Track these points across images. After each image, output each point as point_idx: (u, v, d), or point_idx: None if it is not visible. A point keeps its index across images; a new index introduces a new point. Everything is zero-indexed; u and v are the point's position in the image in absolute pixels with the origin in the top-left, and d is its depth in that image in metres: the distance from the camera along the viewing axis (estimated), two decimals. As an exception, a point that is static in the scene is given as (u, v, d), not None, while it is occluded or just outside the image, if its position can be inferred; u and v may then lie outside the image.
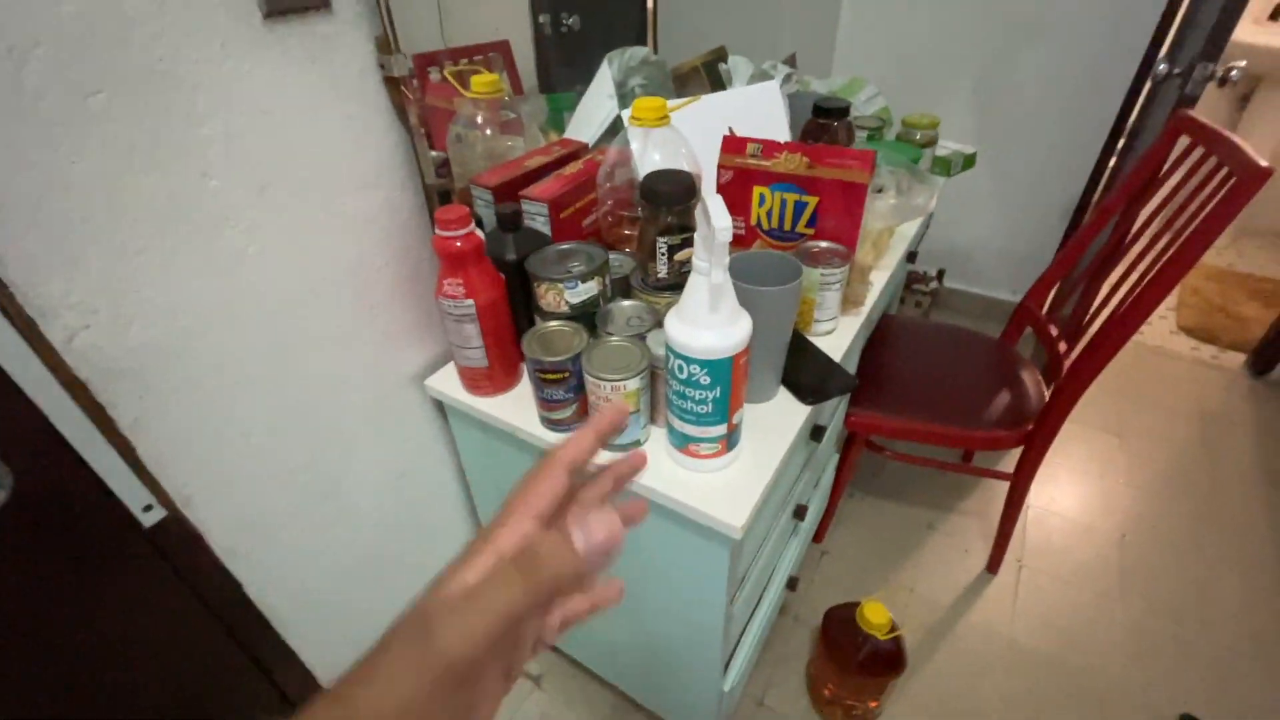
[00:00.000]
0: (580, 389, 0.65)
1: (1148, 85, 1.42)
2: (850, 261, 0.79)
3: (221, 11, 0.48)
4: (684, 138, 0.80)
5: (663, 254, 0.69)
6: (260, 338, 0.59)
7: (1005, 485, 1.26)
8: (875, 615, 0.99)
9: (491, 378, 0.72)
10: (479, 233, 0.64)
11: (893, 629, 0.99)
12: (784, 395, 0.72)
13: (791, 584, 1.06)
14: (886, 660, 1.01)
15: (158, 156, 0.47)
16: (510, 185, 0.77)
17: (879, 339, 1.31)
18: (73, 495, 0.51)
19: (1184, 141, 1.03)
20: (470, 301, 0.65)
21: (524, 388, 0.75)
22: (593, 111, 1.04)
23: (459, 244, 0.63)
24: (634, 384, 0.60)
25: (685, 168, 0.79)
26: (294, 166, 0.57)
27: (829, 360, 0.76)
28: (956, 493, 1.54)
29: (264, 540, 0.66)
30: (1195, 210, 0.92)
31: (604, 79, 1.06)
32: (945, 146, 1.33)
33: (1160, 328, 2.16)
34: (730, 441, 0.62)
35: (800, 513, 0.97)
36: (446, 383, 0.77)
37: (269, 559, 0.67)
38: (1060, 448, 1.65)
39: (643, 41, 1.33)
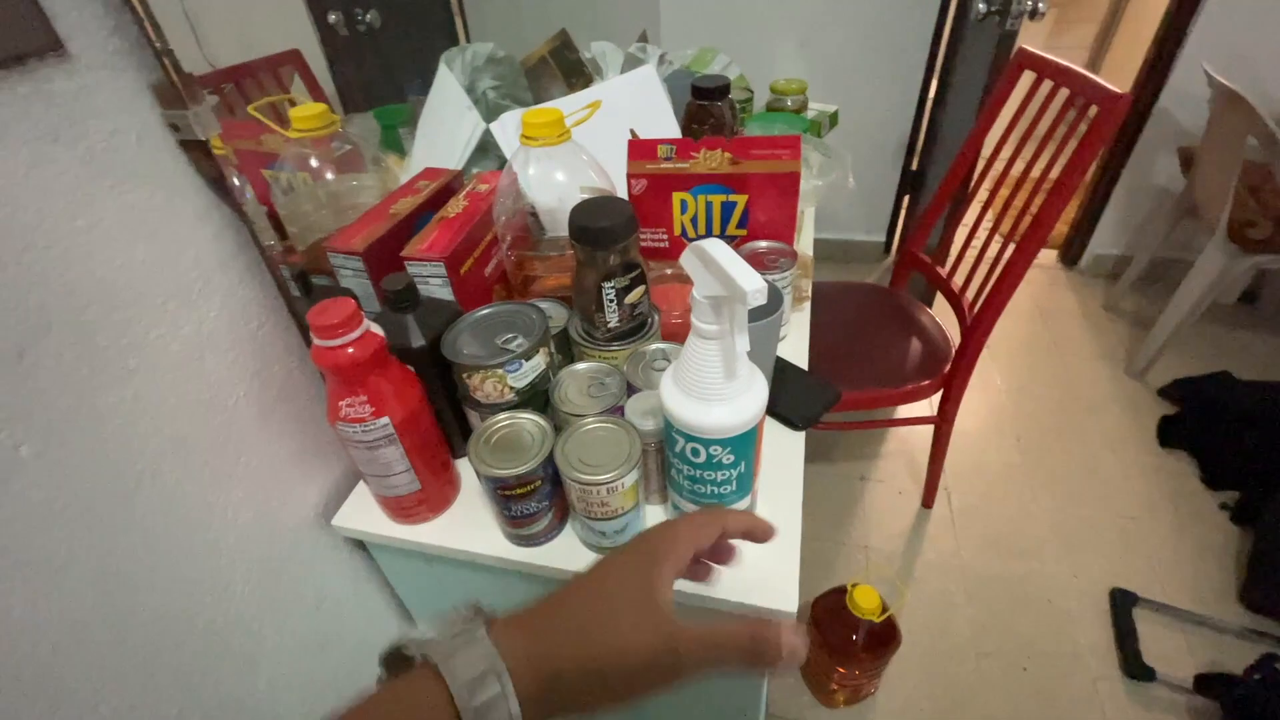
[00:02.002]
0: (554, 491, 0.52)
1: (949, 24, 1.51)
2: (797, 259, 0.71)
3: None
4: (583, 149, 0.67)
5: (610, 300, 0.56)
6: (79, 566, 0.38)
7: (932, 429, 1.30)
8: (866, 600, 0.97)
9: (428, 499, 0.56)
10: (376, 329, 0.47)
11: (884, 609, 0.98)
12: (774, 427, 0.64)
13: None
14: (883, 639, 1.00)
15: None
16: (382, 245, 0.60)
17: (788, 313, 1.28)
18: None
19: (1029, 77, 1.08)
20: (384, 420, 0.49)
21: (468, 499, 0.59)
22: (449, 128, 0.86)
23: (352, 351, 0.45)
24: (632, 478, 0.48)
25: (595, 183, 0.66)
26: (63, 306, 0.37)
27: (807, 376, 0.69)
28: (877, 439, 1.60)
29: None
30: (1061, 141, 0.96)
31: (448, 85, 0.89)
32: (811, 109, 1.31)
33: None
34: (751, 505, 0.52)
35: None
36: (363, 516, 0.59)
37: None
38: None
39: (453, 32, 1.16)
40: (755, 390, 0.44)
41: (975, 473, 1.50)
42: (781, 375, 0.66)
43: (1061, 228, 2.27)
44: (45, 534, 0.37)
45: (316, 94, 0.85)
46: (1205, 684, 1.04)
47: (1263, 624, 1.17)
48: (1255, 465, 1.39)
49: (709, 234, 0.75)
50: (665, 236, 0.76)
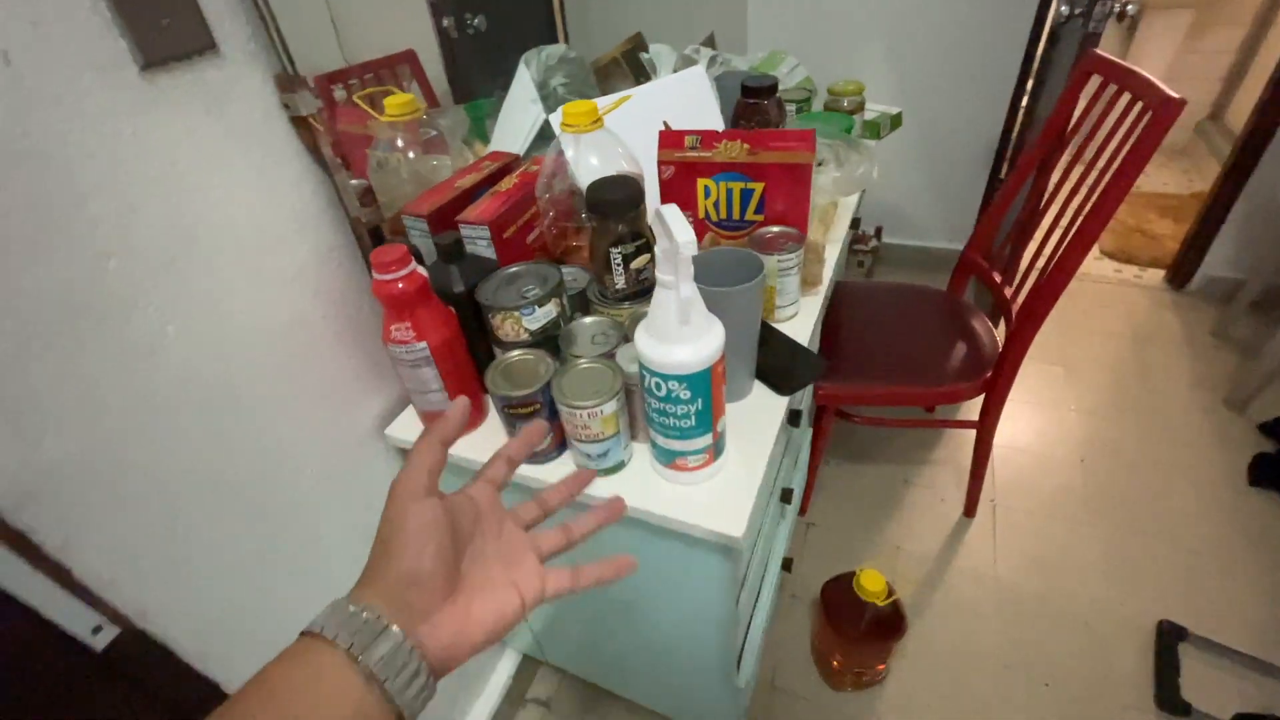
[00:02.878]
0: (553, 416, 0.62)
1: (1046, 28, 1.46)
2: (804, 243, 0.78)
3: (89, 74, 0.42)
4: (619, 138, 0.77)
5: (618, 265, 0.66)
6: (194, 424, 0.53)
7: (971, 432, 1.29)
8: (872, 583, 1.00)
9: (457, 418, 0.68)
10: (421, 270, 0.60)
11: (890, 593, 1.01)
12: (760, 389, 0.71)
13: (787, 565, 1.06)
14: (888, 625, 1.03)
15: (40, 246, 0.42)
16: (444, 211, 0.73)
17: (835, 308, 1.32)
18: (14, 634, 0.45)
19: (1096, 80, 1.06)
20: (423, 344, 0.61)
21: (492, 422, 0.71)
22: (518, 119, 0.99)
23: (401, 285, 0.58)
24: (610, 407, 0.58)
25: (625, 169, 0.76)
26: (204, 231, 0.51)
27: (798, 346, 0.75)
28: (925, 444, 1.58)
29: (236, 634, 0.60)
30: (1117, 146, 0.95)
31: (523, 82, 1.02)
32: (872, 109, 1.34)
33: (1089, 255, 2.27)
34: (717, 450, 0.60)
35: (786, 496, 0.97)
36: (409, 429, 0.72)
37: (245, 651, 0.62)
38: (1017, 382, 1.72)
39: (553, 36, 1.29)
40: (709, 338, 0.52)
41: (1028, 490, 1.46)
42: (771, 343, 0.73)
43: (1171, 245, 2.10)
44: (177, 391, 0.52)
45: (426, 88, 1.00)
46: (1244, 725, 0.98)
47: (1339, 681, 1.07)
48: (1359, 513, 1.25)
49: (730, 218, 0.83)
50: (691, 220, 0.84)
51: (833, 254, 0.93)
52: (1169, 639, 1.15)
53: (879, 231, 2.19)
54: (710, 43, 1.24)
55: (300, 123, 0.57)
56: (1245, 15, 2.44)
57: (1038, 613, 1.22)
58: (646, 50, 1.19)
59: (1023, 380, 1.74)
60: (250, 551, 0.60)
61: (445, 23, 1.05)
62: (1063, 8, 1.24)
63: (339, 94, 0.82)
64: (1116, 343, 1.86)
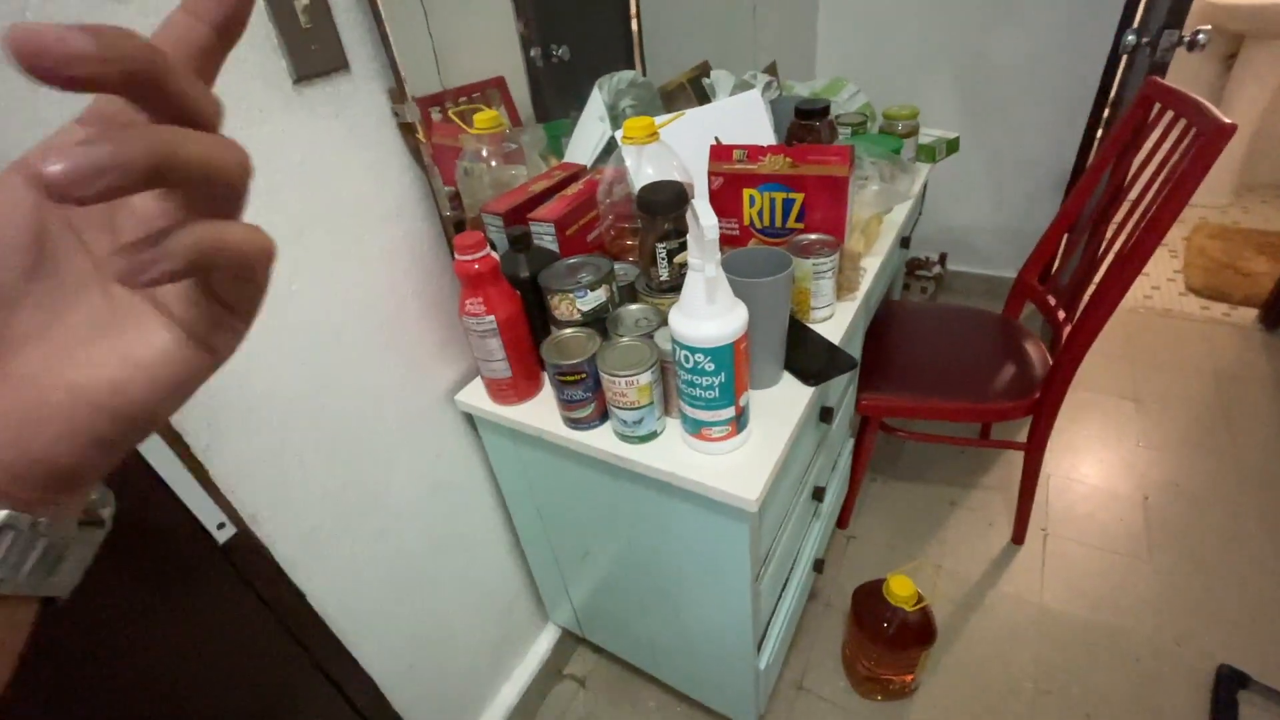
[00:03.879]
0: (596, 387, 0.71)
1: (1124, 56, 1.46)
2: (840, 250, 0.84)
3: (259, 83, 0.55)
4: (674, 151, 0.86)
5: (662, 258, 0.74)
6: (306, 366, 0.65)
7: (1023, 457, 1.28)
8: (901, 588, 1.02)
9: (515, 386, 0.78)
10: (494, 254, 0.71)
11: (919, 600, 1.03)
12: (789, 380, 0.77)
13: (818, 566, 1.10)
14: (916, 632, 1.04)
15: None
16: (518, 210, 0.84)
17: (884, 323, 1.35)
18: (157, 517, 0.57)
19: (1158, 108, 1.07)
20: (491, 318, 0.72)
21: (546, 395, 0.81)
22: (588, 135, 1.10)
23: (476, 266, 0.69)
24: (646, 378, 0.66)
25: (677, 178, 0.85)
26: (326, 210, 0.64)
27: (828, 344, 0.81)
28: (976, 469, 1.57)
29: (319, 553, 0.72)
30: (1172, 170, 0.96)
31: (595, 103, 1.13)
32: (929, 134, 1.38)
33: (1169, 290, 2.17)
34: (740, 424, 0.67)
35: (819, 494, 1.01)
36: (474, 396, 0.83)
37: (324, 570, 0.73)
38: (1078, 416, 1.67)
39: (631, 64, 1.40)
40: (731, 317, 0.59)
41: (1083, 521, 1.42)
42: (803, 339, 0.79)
43: (1267, 284, 1.98)
44: (297, 336, 0.64)
45: (511, 110, 1.13)
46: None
47: None
48: None
49: (772, 225, 0.90)
50: (737, 226, 0.92)
51: (873, 265, 0.98)
52: (1228, 684, 1.09)
53: (943, 258, 2.18)
54: (772, 70, 1.33)
55: (406, 128, 0.69)
56: (1362, 45, 2.29)
57: (1083, 642, 1.19)
58: (709, 76, 1.29)
59: (1091, 412, 1.70)
60: (336, 481, 0.72)
61: (533, 53, 1.19)
62: (1129, 37, 1.25)
63: (435, 115, 0.95)
64: (1197, 380, 1.78)
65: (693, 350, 0.60)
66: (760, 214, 0.90)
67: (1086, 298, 1.12)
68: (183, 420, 0.56)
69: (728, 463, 0.67)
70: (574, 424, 0.74)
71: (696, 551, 0.77)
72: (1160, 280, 2.22)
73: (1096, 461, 1.57)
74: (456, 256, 0.69)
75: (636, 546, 0.86)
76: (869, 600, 1.08)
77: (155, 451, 0.55)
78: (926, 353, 1.28)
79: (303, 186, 0.61)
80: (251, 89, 0.55)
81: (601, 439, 0.73)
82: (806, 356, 0.78)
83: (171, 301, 0.20)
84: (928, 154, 1.32)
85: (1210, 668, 1.13)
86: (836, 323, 0.87)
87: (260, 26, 0.54)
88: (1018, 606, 1.26)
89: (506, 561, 1.06)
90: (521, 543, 1.05)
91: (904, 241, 1.30)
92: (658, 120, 0.85)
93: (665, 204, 0.70)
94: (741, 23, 1.69)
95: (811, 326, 0.85)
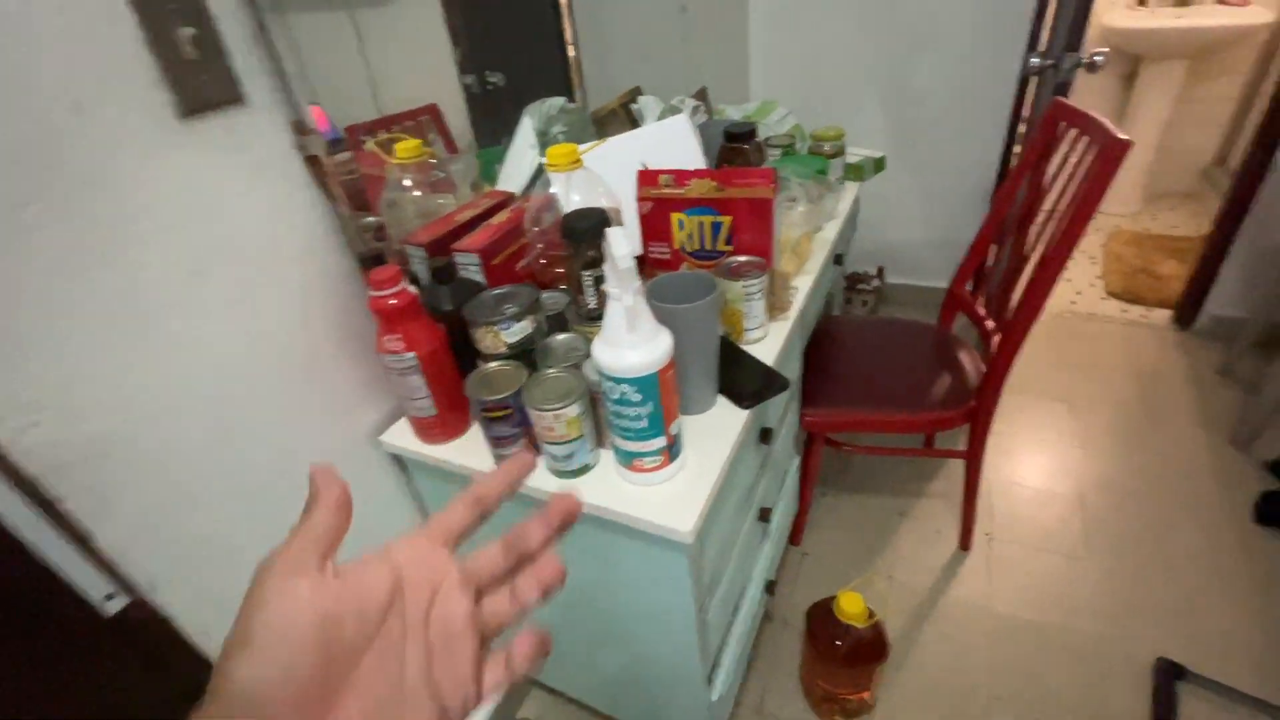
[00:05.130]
0: (525, 422, 0.68)
1: (1031, 77, 1.54)
2: (769, 271, 0.84)
3: (137, 117, 0.52)
4: (600, 178, 0.85)
5: (589, 285, 0.73)
6: (209, 415, 0.61)
7: (964, 465, 1.31)
8: (851, 605, 1.02)
9: (442, 424, 0.75)
10: (411, 289, 0.68)
11: (870, 616, 1.03)
12: (723, 403, 0.76)
13: (770, 588, 1.08)
14: (869, 648, 1.04)
15: (92, 257, 0.50)
16: (441, 240, 0.81)
17: (824, 339, 1.37)
18: (30, 592, 0.52)
19: (1064, 125, 1.12)
20: (411, 354, 0.69)
21: (476, 431, 0.78)
22: (519, 162, 1.09)
23: (393, 301, 0.66)
24: (574, 410, 0.64)
25: (605, 205, 0.84)
26: (229, 247, 0.60)
27: (761, 365, 0.81)
28: (923, 478, 1.59)
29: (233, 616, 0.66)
30: (1080, 183, 1.00)
31: (525, 130, 1.12)
32: (857, 154, 1.42)
33: (1091, 295, 2.29)
34: (672, 453, 0.65)
35: (765, 515, 1.00)
36: (401, 436, 0.79)
37: (241, 633, 0.67)
38: (1015, 420, 1.73)
39: (568, 90, 1.41)
40: (655, 344, 0.58)
41: (1025, 524, 1.45)
42: (736, 361, 0.79)
43: (1177, 286, 2.11)
44: (198, 385, 0.60)
45: (446, 138, 1.12)
46: (1238, 763, 0.96)
47: (1347, 725, 1.04)
48: (1367, 552, 1.23)
49: (702, 249, 0.90)
50: (667, 250, 0.92)
51: (805, 283, 1.00)
52: (1166, 677, 1.12)
53: (881, 272, 2.24)
54: (701, 95, 1.35)
55: (312, 161, 0.66)
56: (1242, 64, 2.50)
57: (1033, 645, 1.21)
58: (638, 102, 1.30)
59: (1027, 416, 1.75)
60: (251, 538, 0.67)
61: (468, 79, 1.18)
62: (1033, 60, 1.32)
63: (369, 145, 0.93)
64: (1121, 381, 1.86)
65: (617, 381, 0.58)
66: (690, 237, 0.90)
67: (1013, 305, 1.16)
68: (64, 483, 0.51)
69: (663, 493, 0.65)
70: (504, 460, 0.72)
71: (638, 585, 0.75)
72: (1083, 286, 2.34)
73: (1034, 464, 1.62)
74: (371, 292, 0.66)
75: (580, 582, 0.83)
76: (821, 619, 1.08)
77: (25, 521, 0.49)
78: (866, 367, 1.30)
79: (201, 224, 0.58)
80: (130, 124, 0.52)
81: (534, 475, 0.70)
82: (740, 379, 0.77)
83: (491, 614, 0.27)
84: (856, 173, 1.36)
85: (1150, 661, 1.16)
86: (770, 343, 0.87)
87: (136, 58, 0.51)
88: (968, 613, 1.28)
89: (448, 606, 1.01)
90: (464, 585, 1.00)
91: (837, 259, 1.33)
92: (582, 147, 0.84)
93: (588, 231, 0.69)
94: (673, 49, 1.72)
95: (745, 348, 0.85)
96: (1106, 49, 1.32)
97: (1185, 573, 1.31)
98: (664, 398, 0.60)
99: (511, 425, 0.68)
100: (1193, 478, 1.52)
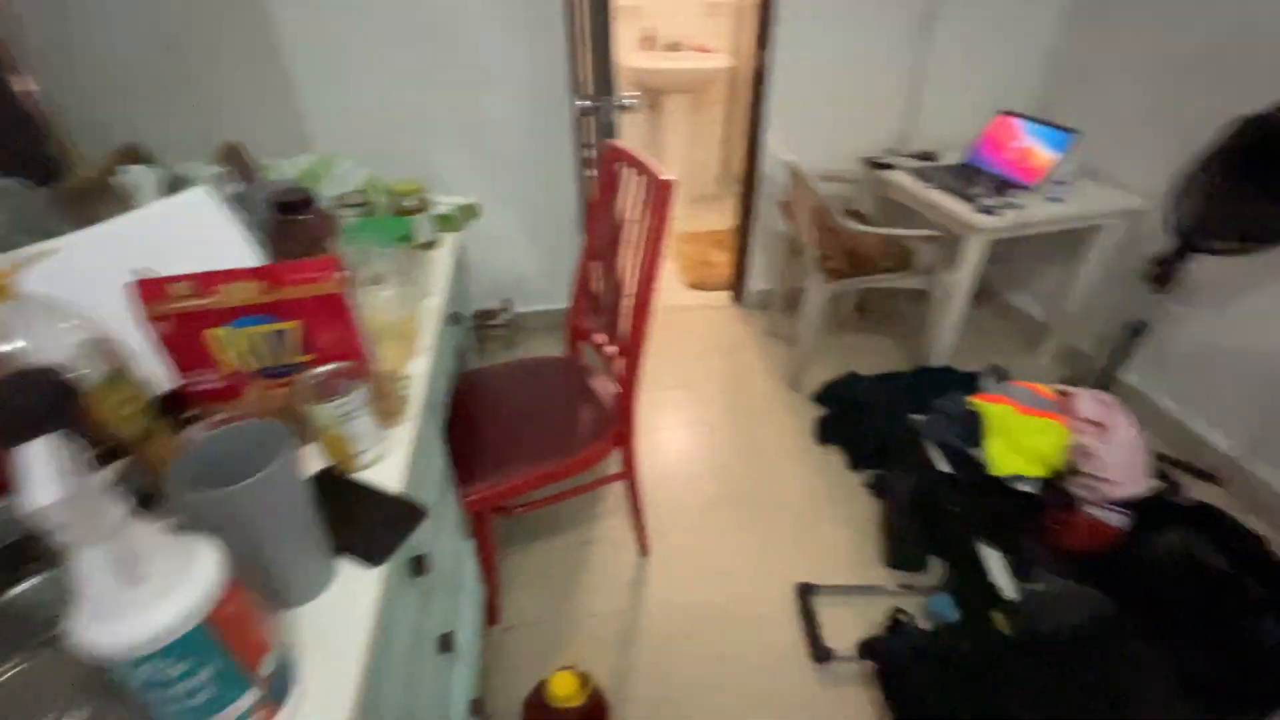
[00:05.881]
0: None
1: (581, 117, 1.70)
2: (366, 375, 0.69)
3: None
4: (60, 305, 0.57)
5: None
6: None
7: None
8: (563, 687, 0.96)
9: None
10: None
11: (585, 684, 0.98)
12: (348, 569, 0.59)
13: (477, 708, 0.94)
14: (594, 716, 0.99)
15: None
16: None
17: (465, 404, 1.26)
18: None
19: (620, 165, 1.23)
20: None
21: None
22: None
23: None
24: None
25: (79, 340, 0.56)
26: None
27: (388, 497, 0.65)
28: (595, 501, 1.64)
29: None
30: (645, 210, 1.11)
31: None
32: (445, 203, 1.34)
33: (676, 289, 2.72)
34: (275, 690, 0.46)
35: (447, 643, 0.85)
36: None
37: None
38: (649, 417, 1.92)
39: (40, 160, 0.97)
40: (188, 580, 0.38)
41: (683, 510, 1.63)
42: (353, 504, 0.62)
43: (726, 272, 2.66)
44: None
45: None
46: (864, 650, 1.23)
47: (906, 579, 1.43)
48: (878, 445, 1.73)
49: (273, 366, 0.69)
50: (217, 378, 0.68)
51: (422, 368, 0.87)
52: (804, 597, 1.38)
53: (507, 304, 2.25)
54: (233, 155, 1.07)
55: None
56: (721, 96, 3.29)
57: (717, 622, 1.35)
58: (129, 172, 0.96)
59: (658, 409, 1.97)
60: None
61: None
62: (577, 102, 1.44)
63: None
64: (716, 357, 2.26)
65: (135, 663, 0.37)
66: (248, 355, 0.67)
67: (622, 329, 1.24)
68: None
69: (279, 751, 0.45)
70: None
71: None
72: (669, 282, 2.77)
73: (673, 450, 1.83)
74: None
75: None
76: (539, 710, 0.99)
77: None
78: (513, 421, 1.25)
79: None
80: None
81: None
82: (363, 526, 0.61)
83: None
84: (449, 224, 1.28)
85: (792, 590, 1.41)
86: (393, 461, 0.72)
87: None
88: (665, 617, 1.36)
89: None
90: None
91: (453, 317, 1.23)
92: (25, 253, 0.54)
93: (13, 425, 0.42)
94: (172, 97, 1.37)
95: (361, 478, 0.68)
96: (637, 92, 1.51)
97: (792, 503, 1.64)
98: (232, 642, 0.41)
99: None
100: (775, 422, 1.93)
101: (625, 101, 1.43)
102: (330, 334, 0.69)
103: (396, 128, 1.86)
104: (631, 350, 1.17)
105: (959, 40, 2.04)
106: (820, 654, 1.26)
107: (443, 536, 0.93)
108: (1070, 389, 1.51)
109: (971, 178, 1.91)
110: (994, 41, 2.07)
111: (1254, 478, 1.61)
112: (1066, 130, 1.80)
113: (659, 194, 1.03)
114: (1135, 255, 1.81)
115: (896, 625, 1.24)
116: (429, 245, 1.20)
